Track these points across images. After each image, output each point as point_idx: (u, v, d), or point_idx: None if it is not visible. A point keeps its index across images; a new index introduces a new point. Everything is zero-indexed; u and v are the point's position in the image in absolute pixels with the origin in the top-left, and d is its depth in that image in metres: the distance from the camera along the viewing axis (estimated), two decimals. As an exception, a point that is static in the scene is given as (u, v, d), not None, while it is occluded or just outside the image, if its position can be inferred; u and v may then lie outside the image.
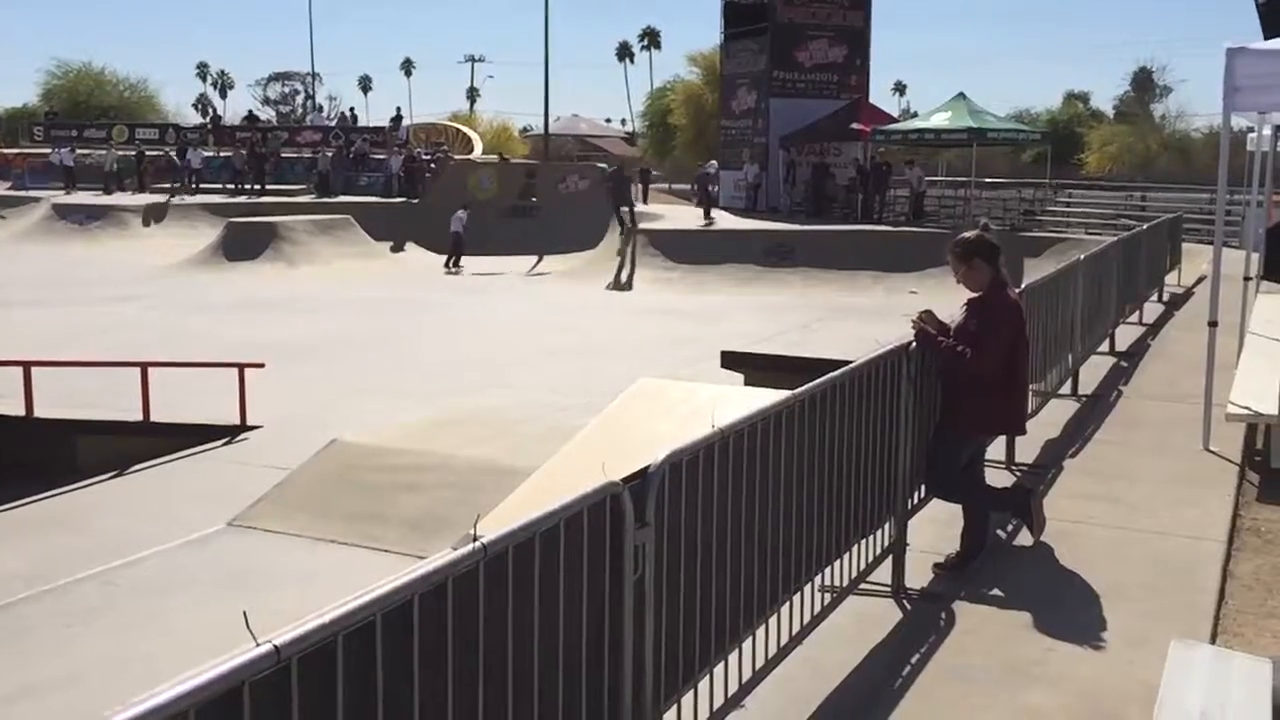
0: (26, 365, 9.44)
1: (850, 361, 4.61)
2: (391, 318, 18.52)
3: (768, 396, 4.58)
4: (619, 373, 12.21)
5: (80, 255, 28.22)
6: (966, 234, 5.48)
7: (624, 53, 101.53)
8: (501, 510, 5.53)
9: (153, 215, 31.11)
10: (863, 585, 4.72)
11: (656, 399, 7.12)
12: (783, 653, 3.99)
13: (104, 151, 36.84)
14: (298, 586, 6.19)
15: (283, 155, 38.22)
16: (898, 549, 4.98)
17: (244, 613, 2.25)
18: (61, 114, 48.06)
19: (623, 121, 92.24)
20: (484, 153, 41.75)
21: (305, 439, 9.17)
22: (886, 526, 4.95)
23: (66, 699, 4.92)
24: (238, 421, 10.51)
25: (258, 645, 2.16)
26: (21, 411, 9.31)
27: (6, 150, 41.80)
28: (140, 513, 8.12)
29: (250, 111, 50.64)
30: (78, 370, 10.94)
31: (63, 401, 9.89)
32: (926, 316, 5.18)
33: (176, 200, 32.93)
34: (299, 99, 78.52)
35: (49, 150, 37.73)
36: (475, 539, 2.79)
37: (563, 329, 17.00)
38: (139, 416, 9.95)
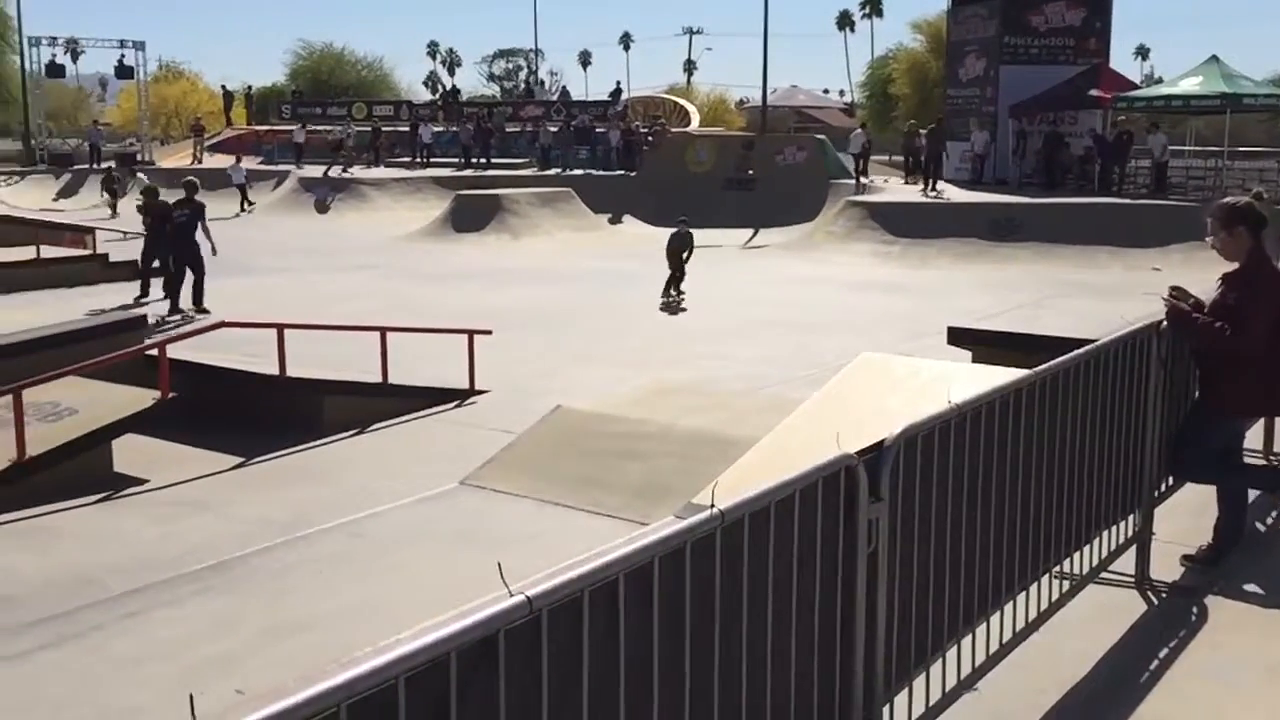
0: (280, 328, 10.10)
1: (1091, 340, 4.39)
2: (610, 288, 18.86)
3: (1003, 375, 4.42)
4: (837, 347, 12.07)
5: (322, 226, 30.05)
6: (1232, 199, 5.13)
7: (844, 21, 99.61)
8: (725, 480, 5.56)
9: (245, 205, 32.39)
10: (1103, 575, 4.51)
11: (880, 373, 6.98)
12: (1018, 638, 3.86)
13: (341, 127, 38.95)
14: (525, 545, 6.42)
15: (507, 130, 39.48)
16: (1143, 538, 4.73)
17: (498, 564, 2.35)
18: (305, 93, 51.14)
19: (841, 93, 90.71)
20: (700, 125, 41.90)
21: (529, 404, 9.48)
22: (1131, 515, 4.70)
23: (321, 637, 5.29)
24: (467, 386, 10.96)
25: (512, 596, 2.25)
26: (275, 371, 10.00)
27: (258, 127, 44.81)
28: (380, 469, 8.59)
29: (454, 85, 52.40)
30: (320, 333, 11.61)
31: (308, 362, 10.55)
32: (1179, 293, 4.88)
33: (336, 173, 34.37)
34: (522, 74, 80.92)
35: (294, 127, 40.20)
36: (711, 506, 2.82)
37: (779, 302, 16.90)
38: (378, 378, 10.52)
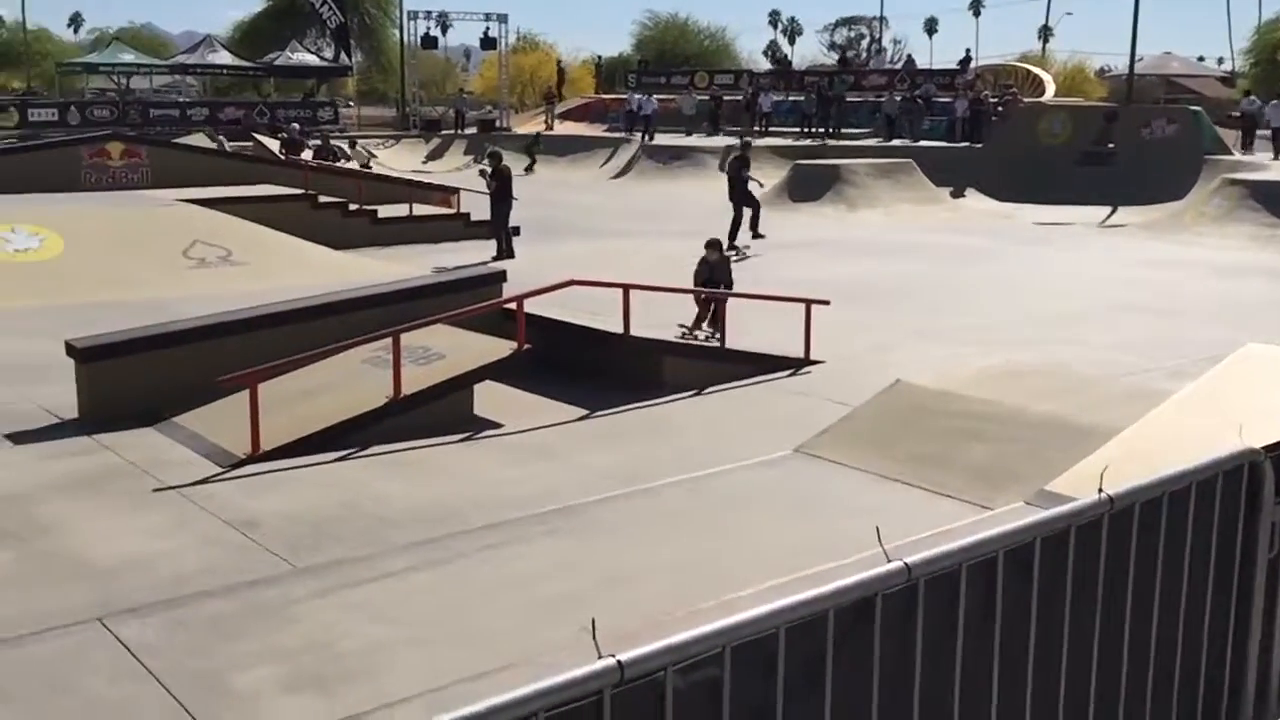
0: (625, 288, 10.48)
1: None
2: (950, 264, 18.22)
3: None
4: (1207, 337, 11.09)
5: (663, 192, 30.93)
6: None
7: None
8: (1085, 469, 5.24)
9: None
10: None
11: (1268, 368, 6.34)
12: None
13: (684, 96, 39.86)
14: (862, 518, 6.31)
15: (848, 99, 38.90)
16: None
17: (876, 528, 2.32)
18: (650, 62, 52.75)
19: (1219, 60, 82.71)
20: (1055, 95, 39.50)
21: (865, 377, 9.34)
22: None
23: (659, 587, 5.48)
24: (802, 355, 10.95)
25: (890, 562, 2.21)
26: (619, 329, 10.40)
27: (605, 96, 46.67)
28: (716, 431, 8.76)
29: (782, 56, 51.87)
30: (659, 294, 11.91)
31: (647, 322, 10.87)
32: None
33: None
34: (864, 43, 79.44)
35: (642, 97, 41.55)
36: (1099, 490, 2.64)
37: (1140, 285, 15.71)
38: (715, 343, 10.72)
